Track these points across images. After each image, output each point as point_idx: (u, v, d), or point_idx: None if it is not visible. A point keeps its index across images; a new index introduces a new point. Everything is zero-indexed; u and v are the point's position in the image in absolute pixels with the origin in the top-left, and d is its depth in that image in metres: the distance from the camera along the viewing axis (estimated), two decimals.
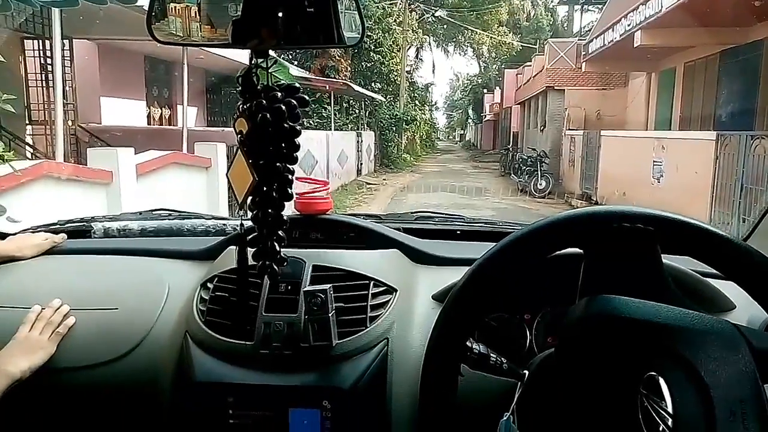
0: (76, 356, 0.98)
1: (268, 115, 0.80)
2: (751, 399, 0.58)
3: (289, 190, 0.85)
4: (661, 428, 0.57)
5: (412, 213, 1.44)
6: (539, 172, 12.33)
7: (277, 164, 0.83)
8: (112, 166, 4.84)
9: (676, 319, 0.62)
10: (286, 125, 0.81)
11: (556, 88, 15.38)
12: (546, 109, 16.19)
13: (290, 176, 0.85)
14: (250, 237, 0.88)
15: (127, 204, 4.74)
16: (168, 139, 8.01)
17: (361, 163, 15.95)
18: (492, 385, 0.84)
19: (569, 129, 14.10)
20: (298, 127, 0.83)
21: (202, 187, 6.35)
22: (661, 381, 0.58)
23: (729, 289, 0.94)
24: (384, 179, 15.68)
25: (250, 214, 0.86)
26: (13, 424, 0.96)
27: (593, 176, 11.08)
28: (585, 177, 11.71)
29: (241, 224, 0.89)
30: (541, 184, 12.13)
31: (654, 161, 8.31)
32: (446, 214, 1.45)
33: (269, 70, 0.81)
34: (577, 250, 0.73)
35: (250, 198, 0.84)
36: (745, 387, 0.58)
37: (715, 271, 0.69)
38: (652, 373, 0.59)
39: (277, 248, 0.86)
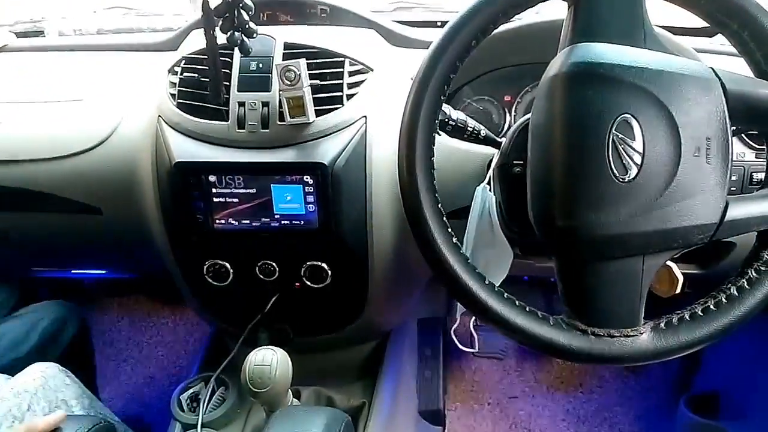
0: (47, 147, 0.96)
1: None
2: (716, 136, 0.59)
3: None
4: (627, 168, 0.59)
5: (389, 3, 1.34)
6: None
7: None
8: None
9: (656, 63, 0.60)
10: None
11: None
12: None
13: None
14: (214, 6, 0.81)
15: None
16: None
17: None
18: (471, 159, 0.86)
19: None
20: None
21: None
22: (634, 121, 0.59)
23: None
24: None
25: None
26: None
27: None
28: None
29: None
30: None
31: None
32: (428, 6, 1.36)
33: None
34: (559, 18, 0.68)
35: None
36: (713, 125, 0.59)
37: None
38: (626, 114, 0.60)
39: (245, 17, 0.80)
